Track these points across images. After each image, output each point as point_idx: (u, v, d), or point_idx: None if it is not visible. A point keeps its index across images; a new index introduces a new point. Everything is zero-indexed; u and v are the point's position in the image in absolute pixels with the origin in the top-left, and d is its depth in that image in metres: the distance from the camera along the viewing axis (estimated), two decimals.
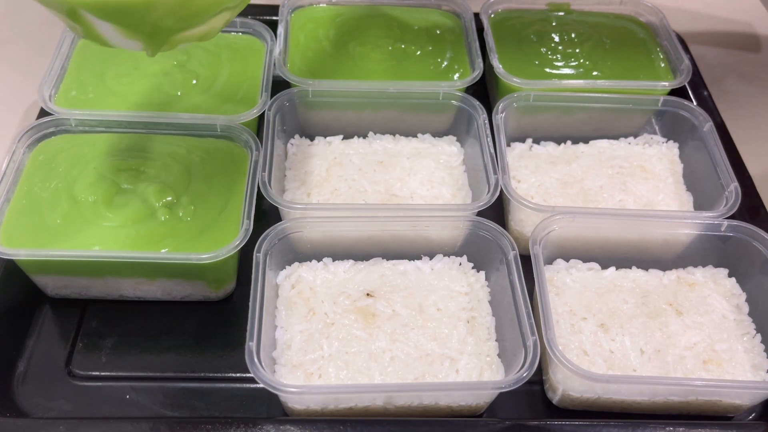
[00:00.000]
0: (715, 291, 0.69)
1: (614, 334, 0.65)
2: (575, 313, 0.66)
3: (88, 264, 0.66)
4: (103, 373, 0.67)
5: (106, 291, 0.70)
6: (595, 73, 0.87)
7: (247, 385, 0.66)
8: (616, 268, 0.71)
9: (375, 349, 0.63)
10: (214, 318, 0.72)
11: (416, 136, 0.84)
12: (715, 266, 0.72)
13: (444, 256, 0.71)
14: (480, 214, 0.71)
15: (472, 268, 0.70)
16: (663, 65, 0.89)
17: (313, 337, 0.64)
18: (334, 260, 0.71)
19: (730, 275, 0.71)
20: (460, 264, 0.71)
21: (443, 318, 0.65)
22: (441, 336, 0.64)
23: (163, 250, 0.66)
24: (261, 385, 0.56)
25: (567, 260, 0.72)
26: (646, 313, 0.67)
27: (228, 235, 0.67)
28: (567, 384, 0.61)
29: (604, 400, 0.63)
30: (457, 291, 0.68)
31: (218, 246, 0.65)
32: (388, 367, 0.62)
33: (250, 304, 0.61)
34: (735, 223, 0.70)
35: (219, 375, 0.67)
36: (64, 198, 0.69)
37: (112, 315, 0.71)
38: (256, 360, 0.57)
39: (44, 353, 0.68)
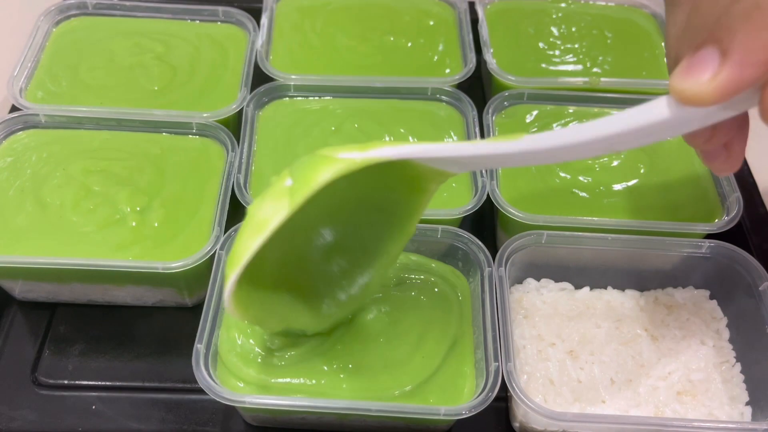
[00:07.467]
0: (694, 314, 0.65)
1: (583, 362, 0.61)
2: (543, 338, 0.63)
3: (53, 270, 0.63)
4: (68, 382, 0.65)
5: (74, 296, 0.68)
6: (595, 69, 0.82)
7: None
8: (591, 288, 0.67)
9: None
10: (186, 325, 0.69)
11: None
12: (696, 288, 0.68)
13: None
14: (469, 220, 0.67)
15: None
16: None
17: None
18: None
19: (711, 297, 0.67)
20: None
21: None
22: None
23: (129, 258, 0.63)
24: None
25: (538, 279, 0.68)
26: (619, 339, 0.63)
27: (200, 241, 0.64)
28: (528, 417, 0.58)
29: None
30: None
31: (190, 252, 0.62)
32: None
33: (205, 304, 0.58)
34: (715, 243, 0.65)
35: (189, 386, 0.65)
36: (30, 200, 0.66)
37: (82, 320, 0.69)
38: (202, 365, 0.55)
39: (10, 359, 0.66)
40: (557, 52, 0.84)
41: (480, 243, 0.63)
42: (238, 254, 0.44)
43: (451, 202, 0.68)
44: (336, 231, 0.54)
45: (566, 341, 0.63)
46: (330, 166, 0.43)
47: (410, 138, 0.74)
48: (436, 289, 0.63)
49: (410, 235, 0.54)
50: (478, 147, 0.43)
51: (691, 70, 0.37)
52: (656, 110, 0.38)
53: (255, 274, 0.48)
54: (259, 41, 0.80)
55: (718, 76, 0.36)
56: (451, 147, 0.45)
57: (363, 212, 0.54)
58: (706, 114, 0.38)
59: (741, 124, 0.45)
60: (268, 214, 0.43)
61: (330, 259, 0.55)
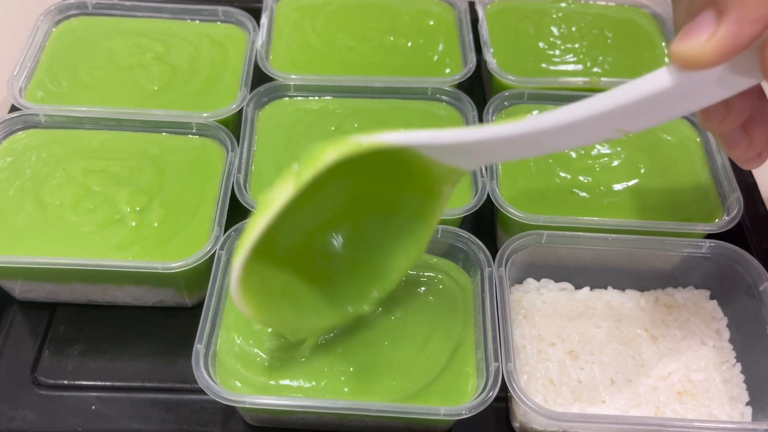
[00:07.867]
0: (695, 314, 0.65)
1: (583, 363, 0.61)
2: (543, 338, 0.63)
3: (53, 270, 0.63)
4: (68, 382, 0.65)
5: (74, 296, 0.68)
6: (595, 69, 0.82)
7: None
8: (591, 288, 0.67)
9: None
10: (186, 325, 0.68)
11: None
12: (696, 288, 0.68)
13: None
14: (469, 220, 0.67)
15: None
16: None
17: None
18: None
19: (711, 297, 0.67)
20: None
21: None
22: None
23: (129, 258, 0.63)
24: None
25: (538, 279, 0.68)
26: (619, 339, 0.63)
27: (200, 241, 0.64)
28: (528, 417, 0.58)
29: None
30: None
31: (189, 252, 0.62)
32: None
33: (205, 304, 0.58)
34: (715, 243, 0.65)
35: (189, 386, 0.65)
36: (30, 200, 0.66)
37: (82, 320, 0.69)
38: (201, 365, 0.55)
39: (10, 359, 0.66)
40: (557, 52, 0.84)
41: (480, 243, 0.63)
42: (246, 236, 0.44)
43: (451, 202, 0.68)
44: (350, 233, 0.54)
45: (566, 341, 0.62)
46: (336, 147, 0.42)
47: None
48: (441, 287, 0.62)
49: (424, 246, 0.54)
50: (483, 131, 0.43)
51: (689, 33, 0.36)
52: (659, 79, 0.37)
53: (264, 268, 0.48)
54: (259, 41, 0.80)
55: (715, 34, 0.35)
56: (458, 132, 0.44)
57: (377, 216, 0.53)
58: (713, 82, 0.37)
59: (758, 102, 0.43)
60: (274, 195, 0.43)
61: (343, 262, 0.55)
